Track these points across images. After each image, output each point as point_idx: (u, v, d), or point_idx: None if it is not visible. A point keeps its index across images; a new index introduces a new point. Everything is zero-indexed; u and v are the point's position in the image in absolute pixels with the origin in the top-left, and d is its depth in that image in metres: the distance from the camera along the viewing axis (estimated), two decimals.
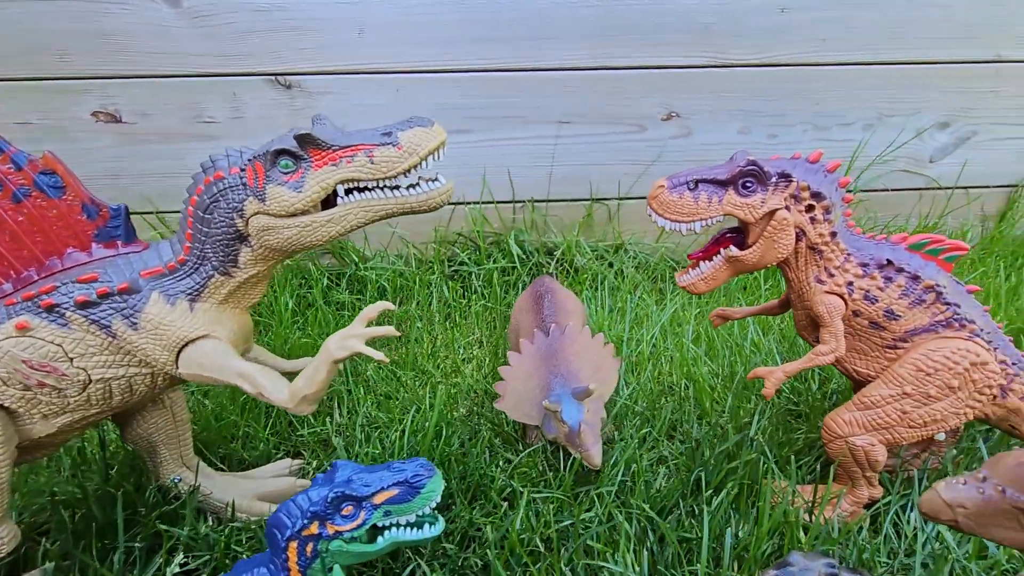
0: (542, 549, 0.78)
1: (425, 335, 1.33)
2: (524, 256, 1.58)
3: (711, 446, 0.93)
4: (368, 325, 0.71)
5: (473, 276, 1.55)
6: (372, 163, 0.66)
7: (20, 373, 0.67)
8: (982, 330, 0.79)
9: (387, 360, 0.66)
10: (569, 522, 0.82)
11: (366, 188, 0.69)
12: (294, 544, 0.56)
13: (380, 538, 0.58)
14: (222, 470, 0.99)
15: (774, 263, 0.79)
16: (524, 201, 1.61)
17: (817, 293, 0.80)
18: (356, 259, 1.55)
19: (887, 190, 1.68)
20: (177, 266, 0.70)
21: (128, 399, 0.74)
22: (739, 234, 0.82)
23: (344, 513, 0.56)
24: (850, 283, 0.79)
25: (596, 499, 0.86)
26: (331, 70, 1.46)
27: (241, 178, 0.67)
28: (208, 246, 0.70)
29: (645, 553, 0.76)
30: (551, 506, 0.84)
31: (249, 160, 0.68)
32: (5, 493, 0.70)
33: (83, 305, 0.67)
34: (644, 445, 0.97)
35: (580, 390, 0.88)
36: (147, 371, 0.72)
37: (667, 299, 1.45)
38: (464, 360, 1.25)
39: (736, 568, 0.76)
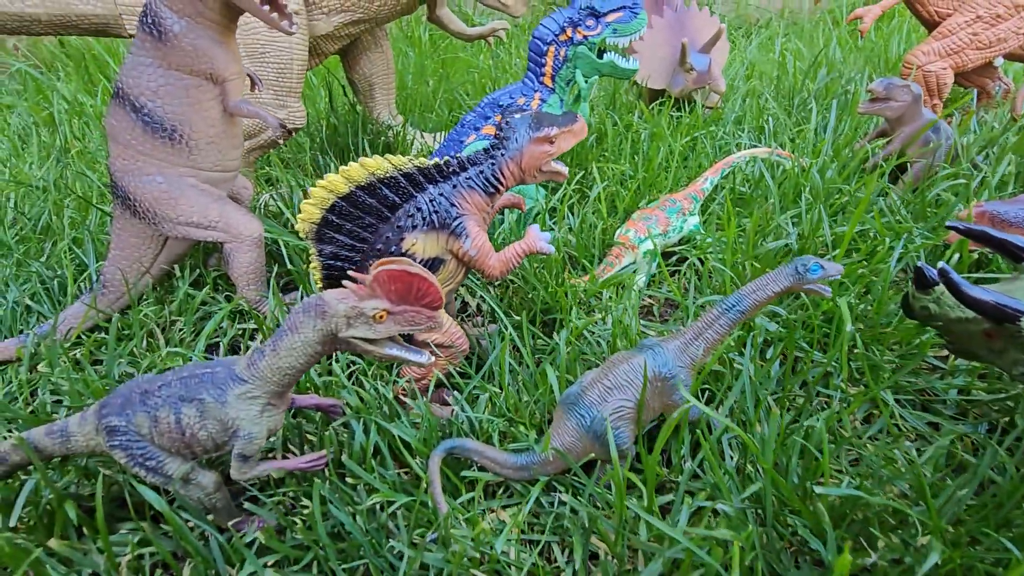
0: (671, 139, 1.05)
1: None
2: None
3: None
4: None
5: None
6: None
7: None
8: None
9: None
10: (698, 134, 1.08)
11: None
12: (552, 48, 0.81)
13: (605, 55, 0.83)
14: None
15: None
16: None
17: None
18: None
19: None
20: None
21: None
22: None
23: (588, 24, 0.80)
24: None
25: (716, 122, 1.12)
26: None
27: None
28: None
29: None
30: (684, 126, 1.11)
31: None
32: (303, 74, 0.97)
33: None
34: (746, 99, 1.22)
35: (707, 43, 1.11)
36: None
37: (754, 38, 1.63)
38: None
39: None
